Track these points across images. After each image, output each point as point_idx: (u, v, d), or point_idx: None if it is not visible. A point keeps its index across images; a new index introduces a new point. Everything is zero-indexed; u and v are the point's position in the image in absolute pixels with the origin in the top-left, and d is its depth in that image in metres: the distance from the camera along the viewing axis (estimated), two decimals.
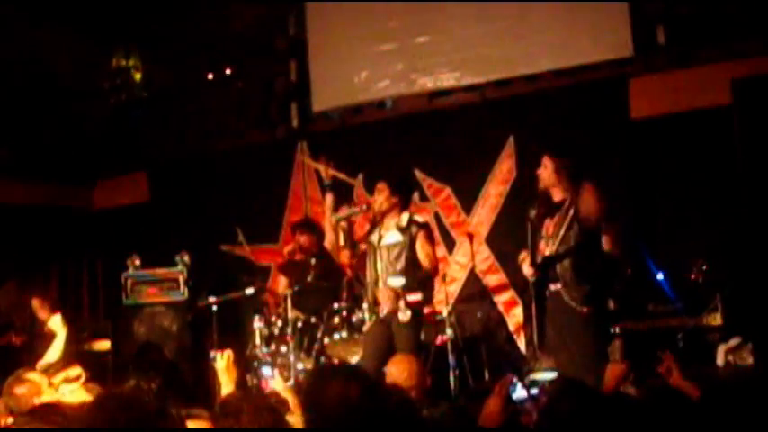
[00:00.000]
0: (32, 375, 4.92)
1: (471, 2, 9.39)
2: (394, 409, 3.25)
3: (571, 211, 6.12)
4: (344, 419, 2.97)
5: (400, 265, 6.93)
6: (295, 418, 4.57)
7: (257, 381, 8.14)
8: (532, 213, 6.36)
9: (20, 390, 4.75)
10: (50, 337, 6.81)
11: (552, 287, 6.15)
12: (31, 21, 10.35)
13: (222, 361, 4.87)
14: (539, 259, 6.19)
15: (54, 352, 6.36)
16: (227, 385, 4.77)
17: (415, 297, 6.87)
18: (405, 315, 6.79)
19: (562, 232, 6.12)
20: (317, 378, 3.18)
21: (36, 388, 4.78)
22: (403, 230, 7.01)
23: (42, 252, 10.36)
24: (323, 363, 7.69)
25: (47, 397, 4.72)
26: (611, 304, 7.04)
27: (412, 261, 6.93)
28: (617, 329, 7.16)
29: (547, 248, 6.18)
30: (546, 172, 6.29)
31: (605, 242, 6.07)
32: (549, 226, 6.23)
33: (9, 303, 9.03)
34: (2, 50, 10.20)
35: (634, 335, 7.21)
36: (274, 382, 5.54)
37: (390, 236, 7.05)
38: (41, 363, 6.35)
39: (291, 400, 4.72)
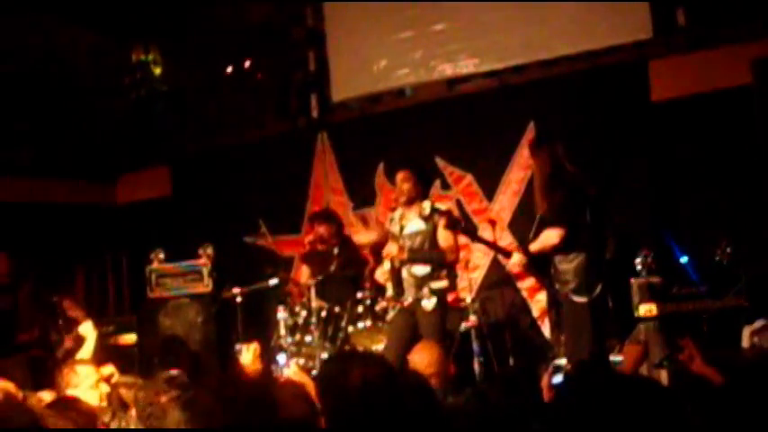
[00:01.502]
0: (81, 368, 4.99)
1: None
2: (413, 394, 3.25)
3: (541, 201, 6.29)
4: (365, 404, 2.98)
5: (423, 252, 6.95)
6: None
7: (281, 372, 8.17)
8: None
9: (66, 376, 4.83)
10: (81, 339, 6.89)
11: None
12: (51, 19, 10.41)
13: (248, 354, 4.91)
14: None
15: (85, 352, 6.46)
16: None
17: (440, 284, 6.90)
18: (429, 303, 6.83)
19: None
20: (338, 363, 3.19)
21: (76, 380, 4.84)
22: (425, 218, 7.02)
23: (67, 248, 10.43)
24: (341, 349, 7.72)
25: (83, 392, 4.76)
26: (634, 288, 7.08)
27: (437, 259, 6.95)
28: (640, 313, 7.13)
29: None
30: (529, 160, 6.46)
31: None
32: None
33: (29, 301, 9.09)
34: (22, 48, 10.27)
35: (658, 318, 7.17)
36: (288, 369, 5.59)
37: (413, 224, 7.07)
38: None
39: (307, 383, 4.75)
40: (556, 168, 6.41)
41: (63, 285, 9.31)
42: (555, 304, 6.80)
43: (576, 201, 6.35)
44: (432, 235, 6.96)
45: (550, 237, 6.26)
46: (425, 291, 6.84)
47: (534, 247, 6.39)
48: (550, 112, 8.93)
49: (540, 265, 6.58)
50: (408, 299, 7.00)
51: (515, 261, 6.60)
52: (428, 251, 6.95)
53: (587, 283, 6.26)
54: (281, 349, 8.23)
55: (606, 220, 6.58)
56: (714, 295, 7.14)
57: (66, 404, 3.99)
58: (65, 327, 8.52)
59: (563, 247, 6.28)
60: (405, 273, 7.00)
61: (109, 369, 5.26)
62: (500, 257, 8.77)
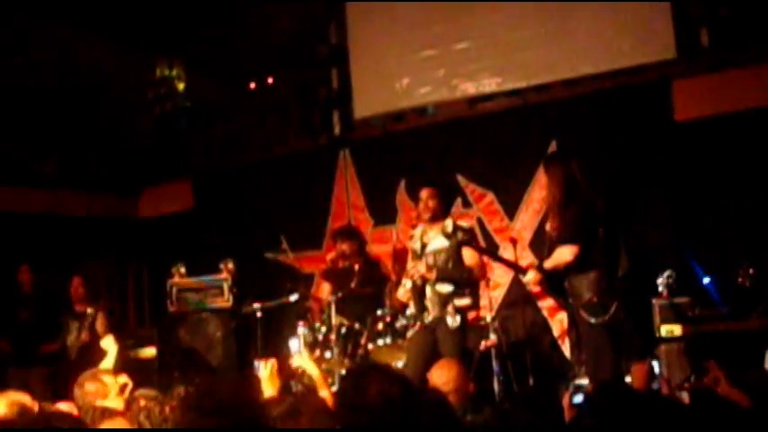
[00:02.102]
0: (106, 378, 4.99)
1: (511, 1, 9.38)
2: (432, 411, 3.24)
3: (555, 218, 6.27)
4: (382, 420, 2.97)
5: (447, 270, 6.94)
6: (325, 393, 4.63)
7: (301, 387, 8.16)
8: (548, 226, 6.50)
9: (90, 387, 4.83)
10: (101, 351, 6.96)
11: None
12: (77, 33, 10.50)
13: (266, 370, 4.91)
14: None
15: (106, 365, 6.49)
16: (269, 394, 4.79)
17: (464, 302, 6.89)
18: (454, 320, 6.82)
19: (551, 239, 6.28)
20: (357, 378, 3.18)
21: (104, 390, 4.85)
22: (448, 236, 7.02)
23: (89, 260, 10.49)
24: (362, 363, 7.70)
25: (111, 402, 4.77)
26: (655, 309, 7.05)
27: (459, 266, 6.94)
28: (662, 334, 7.10)
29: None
30: (543, 179, 6.43)
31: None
32: None
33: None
34: (48, 62, 10.36)
35: (681, 340, 7.13)
36: (299, 356, 5.57)
37: (435, 242, 7.06)
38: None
39: (316, 375, 4.75)
40: (569, 185, 6.39)
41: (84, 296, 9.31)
42: (574, 323, 6.74)
43: (589, 218, 6.32)
44: (455, 252, 6.96)
45: (564, 254, 6.23)
46: (450, 308, 6.84)
47: (548, 264, 6.36)
48: (573, 132, 8.91)
49: (555, 284, 6.55)
50: (429, 317, 6.98)
51: (530, 279, 6.55)
52: (455, 269, 6.94)
53: (601, 302, 6.22)
54: (296, 340, 8.23)
55: (620, 238, 6.53)
56: (737, 317, 7.10)
57: None
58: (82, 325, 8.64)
59: (576, 265, 6.25)
60: (429, 291, 6.99)
61: (123, 378, 5.27)
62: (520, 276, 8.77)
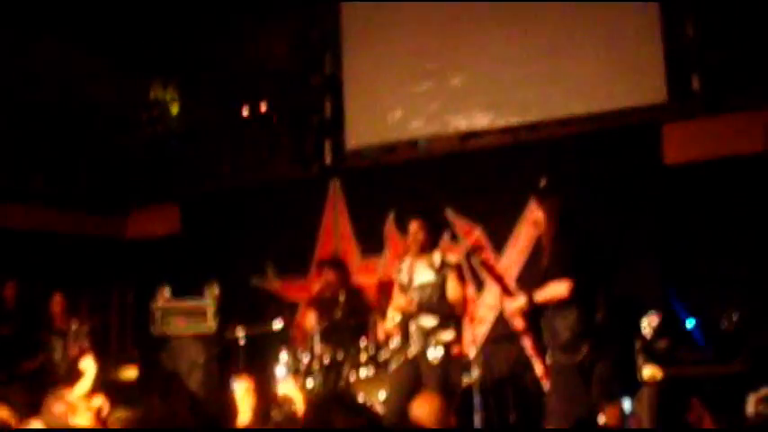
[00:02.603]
0: (69, 397, 4.98)
1: (507, 39, 9.45)
2: None
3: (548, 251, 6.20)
4: None
5: (432, 304, 6.93)
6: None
7: (282, 416, 8.11)
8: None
9: (58, 408, 4.82)
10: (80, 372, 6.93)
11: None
12: (71, 51, 10.53)
13: (240, 389, 4.90)
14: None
15: (83, 386, 6.46)
16: (244, 412, 4.78)
17: (447, 336, 6.88)
18: (436, 354, 6.80)
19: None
20: (323, 408, 3.18)
21: (73, 409, 4.84)
22: (436, 270, 7.02)
23: (73, 279, 10.45)
24: (326, 394, 7.67)
25: (81, 419, 4.77)
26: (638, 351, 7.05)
27: (444, 301, 6.94)
28: (643, 376, 7.09)
29: None
30: (539, 213, 6.37)
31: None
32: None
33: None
34: (40, 81, 10.38)
35: (662, 382, 7.13)
36: (284, 384, 5.56)
37: (422, 275, 7.05)
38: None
39: (299, 400, 4.74)
40: (565, 218, 6.36)
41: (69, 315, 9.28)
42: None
43: (584, 253, 6.29)
44: (441, 287, 6.95)
45: (559, 289, 6.15)
46: (432, 341, 6.83)
47: (540, 296, 6.28)
48: (562, 171, 8.93)
49: (532, 321, 6.50)
50: (413, 350, 6.96)
51: (518, 305, 6.47)
52: (438, 303, 6.93)
53: (574, 342, 6.15)
54: (283, 367, 8.20)
55: (600, 278, 6.46)
56: (720, 361, 7.11)
57: None
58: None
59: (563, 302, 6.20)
60: (412, 325, 6.97)
61: (98, 400, 5.25)
62: (504, 305, 8.79)
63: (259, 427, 4.49)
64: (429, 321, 6.88)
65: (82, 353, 8.19)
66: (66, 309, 9.18)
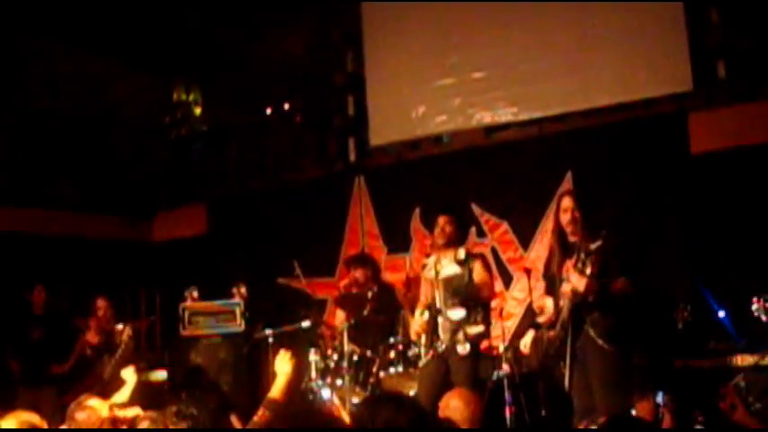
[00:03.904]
0: (93, 402, 5.00)
1: (529, 32, 9.40)
2: None
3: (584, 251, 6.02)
4: None
5: (459, 294, 6.91)
6: None
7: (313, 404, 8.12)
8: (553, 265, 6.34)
9: (81, 415, 4.84)
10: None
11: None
12: (94, 56, 10.58)
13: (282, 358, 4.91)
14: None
15: (122, 396, 6.52)
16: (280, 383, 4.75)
17: (476, 329, 6.85)
18: (464, 348, 6.79)
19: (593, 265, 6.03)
20: (369, 405, 3.17)
21: (96, 415, 4.86)
22: (460, 263, 7.01)
23: (102, 283, 10.50)
24: (376, 392, 7.66)
25: (105, 425, 4.80)
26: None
27: (471, 294, 6.91)
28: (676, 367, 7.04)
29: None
30: (566, 216, 6.23)
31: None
32: (568, 267, 6.14)
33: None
34: (65, 86, 10.44)
35: (695, 373, 7.08)
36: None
37: (448, 269, 7.04)
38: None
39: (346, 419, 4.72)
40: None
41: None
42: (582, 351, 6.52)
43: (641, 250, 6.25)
44: (468, 279, 6.94)
45: (622, 286, 6.03)
46: (460, 335, 6.80)
47: (615, 286, 6.11)
48: (588, 163, 8.90)
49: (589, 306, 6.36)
50: (442, 346, 6.94)
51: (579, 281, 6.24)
52: (464, 294, 6.91)
53: (618, 332, 6.09)
54: (312, 392, 8.20)
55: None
56: (751, 350, 7.05)
57: None
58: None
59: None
60: (440, 318, 6.96)
61: (134, 410, 5.28)
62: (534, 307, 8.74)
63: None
64: (457, 314, 6.86)
65: (124, 361, 8.22)
66: (110, 313, 9.21)
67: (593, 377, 6.09)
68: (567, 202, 6.24)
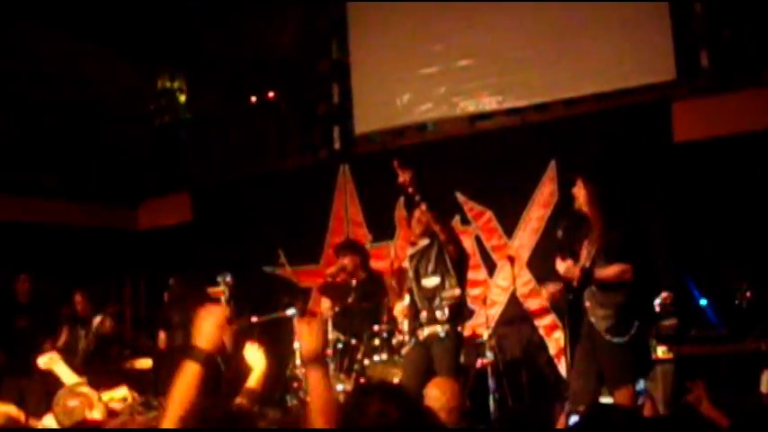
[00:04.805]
0: (85, 389, 4.98)
1: (513, 20, 9.42)
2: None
3: (597, 235, 6.08)
4: None
5: (431, 265, 6.93)
6: None
7: (297, 401, 8.14)
8: (560, 233, 6.36)
9: (72, 402, 4.81)
10: None
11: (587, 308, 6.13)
12: (79, 43, 10.54)
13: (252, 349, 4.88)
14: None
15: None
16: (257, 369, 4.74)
17: (451, 293, 6.82)
18: (443, 314, 6.78)
19: (593, 253, 6.09)
20: (357, 396, 3.18)
21: (88, 401, 4.84)
22: (430, 235, 7.00)
23: (87, 271, 10.49)
24: (364, 382, 7.67)
25: (97, 413, 4.77)
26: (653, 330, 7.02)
27: (443, 259, 6.90)
28: (658, 355, 7.08)
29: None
30: (581, 192, 6.24)
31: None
32: (583, 245, 6.18)
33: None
34: (49, 73, 10.40)
35: (677, 360, 7.13)
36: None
37: (428, 281, 7.01)
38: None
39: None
40: (613, 205, 6.28)
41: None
42: (579, 341, 6.53)
43: (638, 240, 6.26)
44: (438, 246, 6.92)
45: (624, 271, 6.06)
46: (437, 302, 6.79)
47: (601, 274, 6.13)
48: (572, 151, 8.93)
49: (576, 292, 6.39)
50: (424, 333, 6.95)
51: (566, 267, 6.29)
52: (435, 260, 6.91)
53: (623, 323, 6.09)
54: (296, 379, 8.21)
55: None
56: (733, 339, 7.10)
57: None
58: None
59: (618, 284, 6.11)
60: (415, 288, 6.98)
61: (122, 392, 5.25)
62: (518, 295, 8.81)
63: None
64: (431, 281, 6.87)
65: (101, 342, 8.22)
66: (88, 301, 9.20)
67: (604, 367, 6.09)
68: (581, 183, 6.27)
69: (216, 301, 7.97)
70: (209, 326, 3.31)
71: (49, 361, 6.20)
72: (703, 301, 7.75)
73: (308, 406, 3.39)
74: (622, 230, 6.15)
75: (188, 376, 3.23)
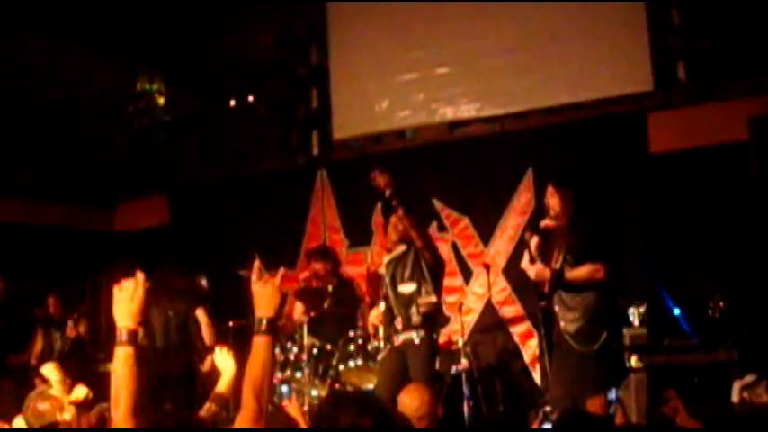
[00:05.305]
0: (54, 392, 4.97)
1: (492, 28, 9.47)
2: None
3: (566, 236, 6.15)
4: None
5: (408, 272, 6.95)
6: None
7: (270, 406, 8.10)
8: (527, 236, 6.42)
9: (42, 406, 4.81)
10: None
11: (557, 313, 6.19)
12: (55, 44, 10.49)
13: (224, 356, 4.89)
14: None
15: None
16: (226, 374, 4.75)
17: (427, 300, 6.85)
18: (418, 318, 6.80)
19: (563, 254, 6.15)
20: (330, 406, 3.18)
21: (59, 404, 4.84)
22: (407, 243, 7.03)
23: (62, 272, 10.44)
24: (336, 390, 7.67)
25: (68, 414, 4.77)
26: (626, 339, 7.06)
27: (419, 265, 6.93)
28: (632, 364, 7.12)
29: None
30: (553, 199, 6.29)
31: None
32: (554, 250, 6.25)
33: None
34: (27, 73, 10.34)
35: (648, 369, 7.16)
36: (289, 406, 5.53)
37: (405, 288, 7.03)
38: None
39: (303, 423, 4.73)
40: (582, 208, 6.33)
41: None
42: (551, 349, 6.61)
43: (607, 243, 6.32)
44: (414, 252, 6.95)
45: (596, 270, 6.10)
46: (413, 309, 6.81)
47: (572, 274, 6.18)
48: (548, 160, 8.98)
49: (539, 304, 6.45)
50: (399, 339, 6.97)
51: (538, 269, 6.33)
52: (411, 266, 6.94)
53: (591, 330, 6.13)
54: (284, 382, 8.20)
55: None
56: (706, 348, 7.14)
57: None
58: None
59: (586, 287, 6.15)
60: (391, 295, 7.00)
61: (82, 391, 5.22)
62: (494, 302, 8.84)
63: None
64: (408, 288, 6.90)
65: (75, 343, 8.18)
66: (60, 303, 9.17)
67: (566, 375, 6.15)
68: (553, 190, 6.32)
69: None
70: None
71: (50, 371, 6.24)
72: (676, 311, 7.80)
73: (245, 374, 3.38)
74: (590, 230, 6.22)
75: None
